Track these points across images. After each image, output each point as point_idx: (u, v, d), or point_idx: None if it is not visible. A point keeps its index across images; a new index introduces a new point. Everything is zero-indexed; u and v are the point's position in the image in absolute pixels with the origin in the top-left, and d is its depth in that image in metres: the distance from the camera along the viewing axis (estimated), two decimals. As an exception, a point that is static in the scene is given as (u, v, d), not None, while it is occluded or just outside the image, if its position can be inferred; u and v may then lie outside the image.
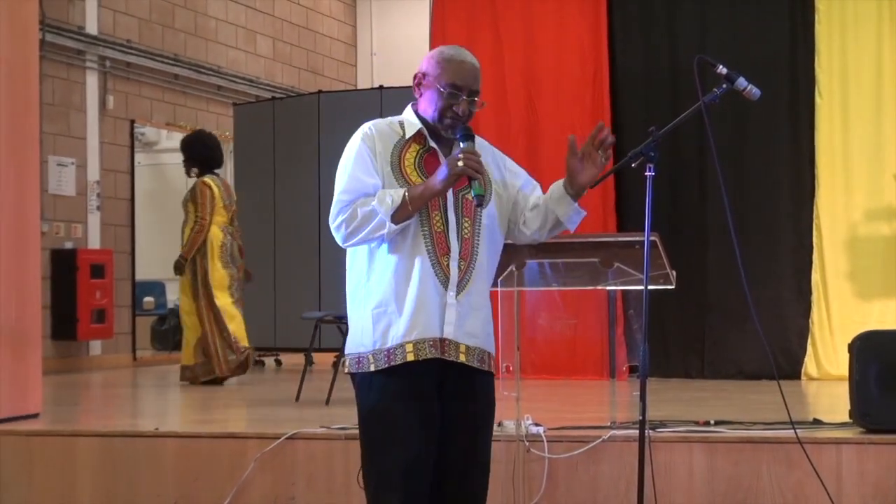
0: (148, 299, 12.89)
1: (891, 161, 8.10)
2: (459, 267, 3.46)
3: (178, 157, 13.25)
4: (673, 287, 4.60)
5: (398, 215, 3.37)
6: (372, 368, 3.44)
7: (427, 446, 3.42)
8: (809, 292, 8.15)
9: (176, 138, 12.90)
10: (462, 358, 3.45)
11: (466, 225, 3.50)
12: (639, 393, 3.88)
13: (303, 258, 10.38)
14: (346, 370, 3.55)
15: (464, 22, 8.85)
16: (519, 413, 4.84)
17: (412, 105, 3.61)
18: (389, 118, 3.60)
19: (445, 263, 3.44)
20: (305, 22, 14.60)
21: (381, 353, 3.43)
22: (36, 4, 6.69)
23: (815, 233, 8.15)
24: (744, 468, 4.95)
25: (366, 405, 3.48)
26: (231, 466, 5.35)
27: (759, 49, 8.24)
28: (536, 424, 5.11)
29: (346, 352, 3.56)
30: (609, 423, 5.33)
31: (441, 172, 3.38)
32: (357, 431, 3.54)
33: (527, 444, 4.99)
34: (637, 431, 3.98)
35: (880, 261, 8.07)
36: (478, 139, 3.64)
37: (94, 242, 11.08)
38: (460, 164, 3.35)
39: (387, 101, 9.51)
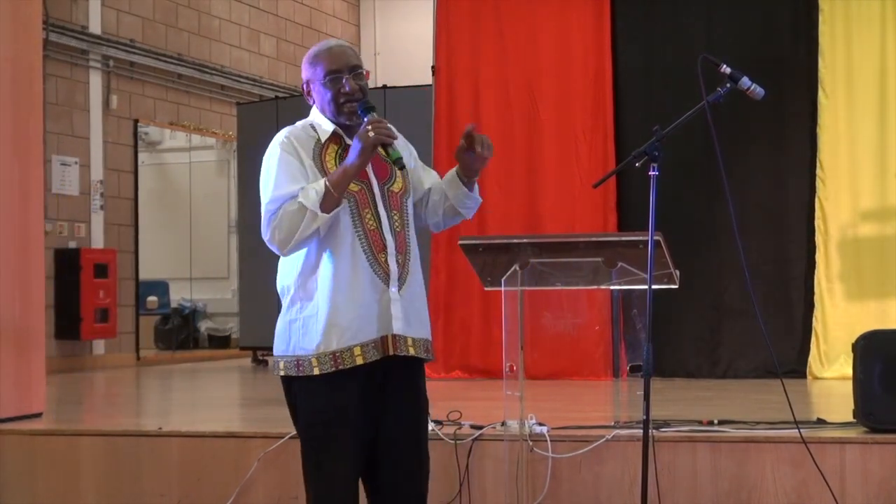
0: (151, 299, 12.91)
1: (894, 161, 8.09)
2: (398, 261, 3.46)
3: (183, 157, 13.33)
4: (676, 286, 4.59)
5: (326, 204, 3.35)
6: (316, 372, 3.41)
7: (364, 445, 3.46)
8: (813, 291, 8.14)
9: (180, 138, 12.96)
10: (411, 351, 3.46)
11: (396, 218, 3.50)
12: (642, 392, 3.88)
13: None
14: (281, 373, 3.50)
15: (467, 21, 8.85)
16: (522, 413, 4.83)
17: (314, 109, 3.61)
18: (301, 123, 3.59)
19: (383, 260, 3.43)
20: (309, 21, 14.61)
21: (326, 356, 3.40)
22: (39, 4, 6.69)
23: (818, 232, 8.14)
24: (747, 468, 4.94)
25: (311, 408, 3.46)
26: (234, 466, 5.35)
27: (762, 48, 8.24)
28: (540, 424, 5.11)
29: (278, 354, 3.51)
30: (613, 423, 5.32)
31: (354, 147, 3.36)
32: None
33: (530, 443, 4.99)
34: (641, 431, 3.98)
35: (884, 260, 8.06)
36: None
37: (98, 242, 11.09)
38: (371, 134, 3.34)
39: (390, 100, 9.52)
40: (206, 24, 12.77)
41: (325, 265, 3.43)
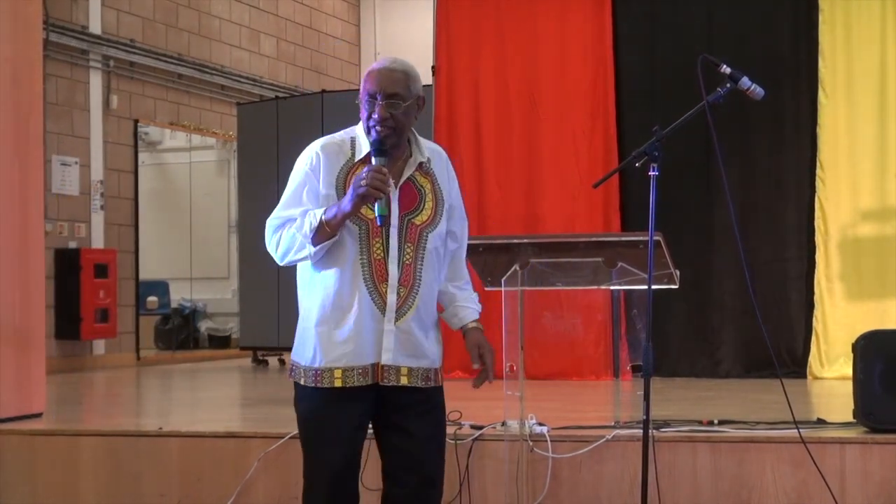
0: (151, 299, 12.90)
1: (894, 161, 8.09)
2: (399, 294, 3.43)
3: (183, 157, 13.33)
4: (676, 287, 4.60)
5: (318, 237, 3.37)
6: (302, 382, 3.50)
7: (356, 451, 3.48)
8: (813, 291, 8.14)
9: (180, 138, 12.96)
10: (404, 381, 3.46)
11: (409, 250, 3.46)
12: (642, 392, 3.88)
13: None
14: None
15: (467, 21, 8.85)
16: (523, 413, 4.84)
17: None
18: (343, 133, 3.56)
19: (384, 290, 3.42)
20: (309, 21, 14.60)
21: (311, 371, 3.47)
22: (39, 4, 6.68)
23: (818, 232, 8.14)
24: (747, 468, 4.94)
25: (299, 411, 3.54)
26: (234, 466, 5.35)
27: (763, 48, 8.25)
28: (540, 424, 5.11)
29: (291, 356, 3.61)
30: (613, 423, 5.33)
31: (349, 193, 3.34)
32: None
33: (531, 443, 4.99)
34: (641, 431, 3.98)
35: (884, 260, 8.07)
36: (436, 150, 3.61)
37: (98, 242, 11.08)
38: (363, 182, 3.29)
39: (390, 100, 9.50)
40: (206, 24, 12.77)
41: (325, 286, 3.46)
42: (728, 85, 4.07)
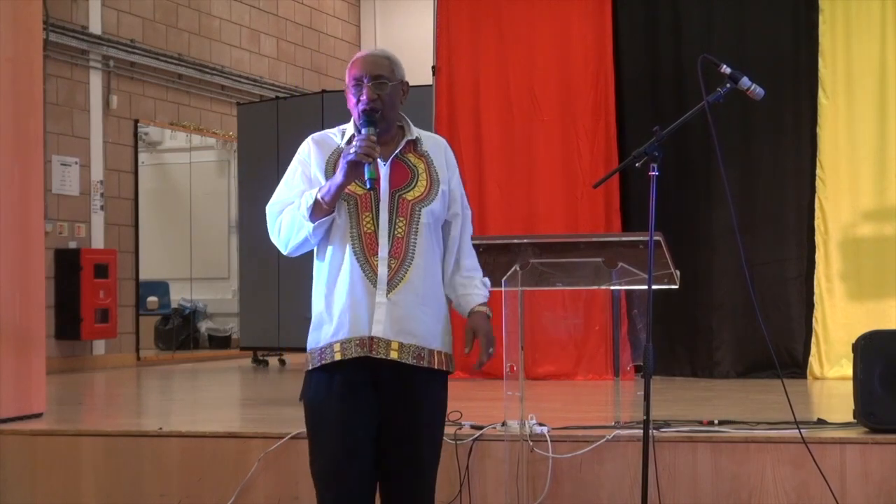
0: (151, 299, 12.91)
1: (894, 161, 8.09)
2: (390, 266, 3.47)
3: (183, 157, 13.33)
4: (677, 287, 4.60)
5: (315, 214, 3.45)
6: (310, 367, 3.54)
7: (361, 438, 3.47)
8: (813, 291, 8.14)
9: (180, 138, 12.96)
10: (394, 355, 3.46)
11: (401, 224, 3.50)
12: (643, 392, 3.89)
13: (306, 257, 10.38)
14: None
15: (467, 21, 8.85)
16: (523, 413, 4.84)
17: None
18: (336, 128, 3.68)
19: (375, 263, 3.47)
20: (309, 21, 14.61)
21: (316, 352, 3.52)
22: (40, 4, 6.69)
23: (818, 232, 8.14)
24: (748, 468, 4.94)
25: (306, 401, 3.58)
26: (235, 466, 5.35)
27: (763, 49, 8.24)
28: (540, 424, 5.11)
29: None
30: (613, 423, 5.33)
31: (341, 163, 3.42)
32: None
33: (531, 443, 4.99)
34: (641, 431, 3.98)
35: (884, 260, 8.06)
36: (434, 137, 3.67)
37: (98, 242, 11.09)
38: (352, 150, 3.38)
39: (390, 100, 9.50)
40: (206, 24, 12.77)
41: (324, 266, 3.55)
42: (728, 85, 4.07)
